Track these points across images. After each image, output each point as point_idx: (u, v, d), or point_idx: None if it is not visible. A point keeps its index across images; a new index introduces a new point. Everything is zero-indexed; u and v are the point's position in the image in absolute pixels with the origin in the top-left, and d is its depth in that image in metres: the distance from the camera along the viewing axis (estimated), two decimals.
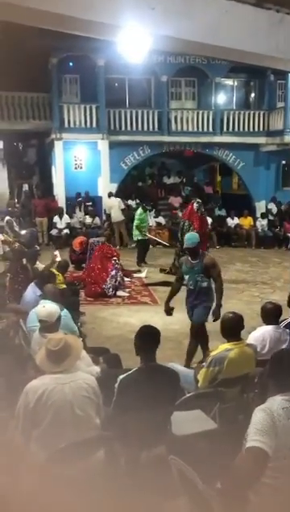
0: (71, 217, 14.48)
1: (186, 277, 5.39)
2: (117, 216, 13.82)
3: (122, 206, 14.11)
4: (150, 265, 11.22)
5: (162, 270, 10.45)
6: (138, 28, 2.74)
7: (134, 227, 11.51)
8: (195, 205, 9.73)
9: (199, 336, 5.42)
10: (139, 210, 11.58)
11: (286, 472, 2.19)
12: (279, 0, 3.13)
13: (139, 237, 11.41)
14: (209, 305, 5.38)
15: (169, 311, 5.57)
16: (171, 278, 9.78)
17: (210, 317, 5.32)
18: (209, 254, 5.60)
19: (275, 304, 4.37)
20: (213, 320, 5.17)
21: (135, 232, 11.49)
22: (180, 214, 15.37)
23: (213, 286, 5.36)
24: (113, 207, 13.90)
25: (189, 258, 5.36)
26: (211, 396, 3.44)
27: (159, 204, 16.18)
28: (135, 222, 11.44)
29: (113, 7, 2.63)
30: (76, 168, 15.46)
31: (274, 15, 3.19)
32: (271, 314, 4.23)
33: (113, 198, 14.19)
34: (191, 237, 5.47)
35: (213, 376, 3.52)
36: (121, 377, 3.04)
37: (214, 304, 5.32)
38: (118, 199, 14.19)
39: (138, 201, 15.81)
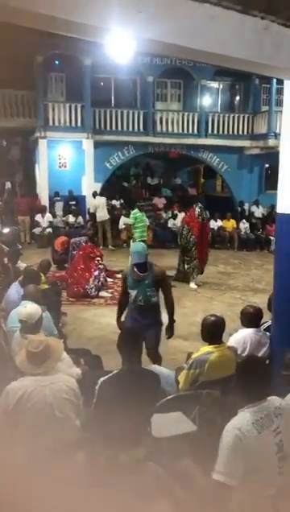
0: (54, 216, 14.40)
1: (133, 292, 4.70)
2: (102, 215, 13.77)
3: (108, 206, 14.03)
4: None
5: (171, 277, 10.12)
6: (125, 31, 2.74)
7: (134, 228, 10.87)
8: (196, 210, 9.50)
9: (154, 358, 4.78)
10: (135, 209, 11.16)
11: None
12: (264, 8, 3.16)
13: (138, 239, 10.68)
14: (160, 321, 4.86)
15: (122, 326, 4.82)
16: None
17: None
18: (157, 265, 5.02)
19: (256, 308, 4.42)
20: (167, 338, 4.87)
21: (137, 233, 10.78)
22: (163, 215, 15.45)
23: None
24: (99, 206, 13.85)
25: (136, 270, 4.63)
26: (191, 398, 3.45)
27: (144, 203, 16.20)
28: (130, 222, 11.00)
29: (100, 10, 2.63)
30: (60, 167, 15.37)
31: (259, 22, 3.21)
32: (251, 318, 4.28)
33: (98, 197, 14.14)
34: (136, 250, 4.73)
35: (193, 378, 3.54)
36: (102, 379, 3.04)
37: (163, 322, 4.87)
38: (104, 198, 14.14)
39: (122, 201, 15.83)
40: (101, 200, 13.99)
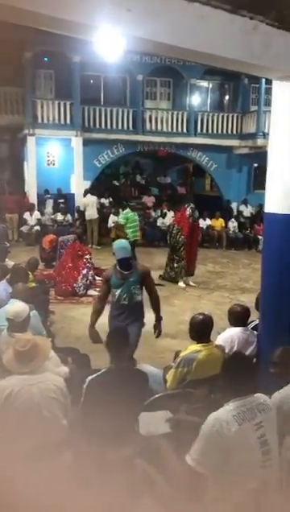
0: (42, 214, 14.33)
1: (117, 291, 4.58)
2: (91, 214, 13.72)
3: (98, 205, 13.97)
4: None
5: (160, 276, 9.88)
6: (114, 29, 2.73)
7: (127, 228, 10.72)
8: (188, 210, 9.46)
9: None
10: (127, 209, 11.07)
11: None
12: (253, 8, 3.17)
13: (131, 239, 10.40)
14: (142, 322, 4.81)
15: (96, 337, 4.59)
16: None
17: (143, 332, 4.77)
18: (140, 262, 4.92)
19: (244, 307, 4.45)
20: (156, 337, 4.85)
21: (130, 233, 10.64)
22: (153, 214, 15.45)
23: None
24: (89, 204, 13.80)
25: (119, 268, 4.58)
26: (179, 397, 3.46)
27: (133, 203, 16.20)
28: (122, 222, 10.83)
29: (88, 7, 2.61)
30: (48, 164, 15.30)
31: (248, 22, 3.22)
32: (239, 317, 4.31)
33: (89, 196, 14.08)
34: (122, 246, 4.68)
35: (181, 377, 3.55)
36: (89, 377, 3.04)
37: (144, 320, 4.82)
38: (94, 197, 14.08)
39: (110, 200, 15.79)
40: (92, 199, 13.93)
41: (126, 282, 4.59)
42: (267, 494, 2.32)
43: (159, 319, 4.80)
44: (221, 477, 2.25)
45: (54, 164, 15.36)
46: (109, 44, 3.06)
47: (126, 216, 10.76)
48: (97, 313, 4.76)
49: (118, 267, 4.61)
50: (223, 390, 2.48)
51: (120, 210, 14.63)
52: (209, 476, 2.22)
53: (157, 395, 3.34)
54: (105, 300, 4.80)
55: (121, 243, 4.88)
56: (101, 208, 14.81)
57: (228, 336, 4.18)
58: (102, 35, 2.88)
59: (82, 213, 14.06)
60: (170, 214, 14.84)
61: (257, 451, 2.28)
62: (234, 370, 2.48)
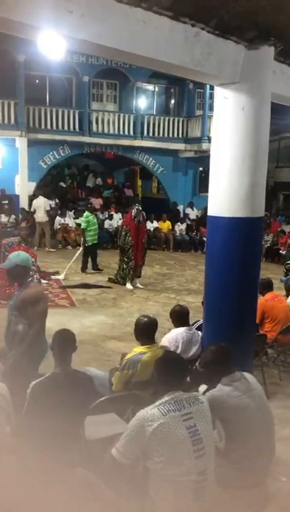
0: None
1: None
2: (42, 216, 13.50)
3: (48, 207, 13.71)
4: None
5: (109, 279, 9.90)
6: (56, 30, 2.71)
7: (87, 231, 10.46)
8: (132, 212, 9.38)
9: None
10: (86, 213, 10.81)
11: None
12: (194, 15, 3.24)
13: (90, 243, 10.47)
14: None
15: None
16: (92, 281, 9.83)
17: None
18: (37, 285, 4.10)
19: (182, 306, 4.57)
20: None
21: (89, 236, 10.44)
22: (100, 216, 15.37)
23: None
24: (40, 207, 13.56)
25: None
26: (125, 399, 3.47)
27: (80, 205, 16.08)
28: (83, 225, 10.56)
29: (30, 7, 2.58)
30: None
31: (189, 29, 3.29)
32: (178, 316, 4.39)
33: (41, 197, 13.81)
34: (19, 255, 3.73)
35: (126, 379, 3.56)
36: (33, 382, 2.98)
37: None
38: (45, 199, 13.82)
39: (57, 201, 15.57)
40: (42, 201, 13.68)
41: (9, 305, 3.73)
42: (207, 486, 2.37)
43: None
44: (159, 469, 2.31)
45: None
46: (52, 45, 3.03)
47: (86, 220, 10.51)
48: None
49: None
50: (157, 387, 2.61)
51: (67, 212, 14.56)
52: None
53: (102, 398, 3.33)
54: None
55: (19, 253, 3.84)
56: (50, 209, 14.58)
57: (172, 337, 4.24)
58: (44, 36, 2.86)
59: (30, 215, 13.77)
60: (117, 216, 14.86)
61: (187, 440, 2.35)
62: (163, 369, 2.59)
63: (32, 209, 13.82)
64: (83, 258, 10.66)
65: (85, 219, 10.58)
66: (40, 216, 13.46)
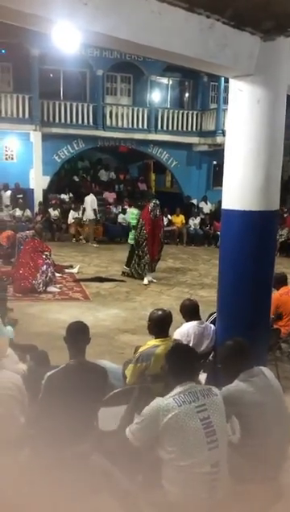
0: (0, 210, 14.04)
1: None
2: (89, 214, 13.76)
3: (95, 205, 13.91)
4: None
5: (123, 273, 9.89)
6: (71, 22, 2.70)
7: (133, 228, 10.10)
8: (149, 206, 9.35)
9: None
10: (134, 209, 10.67)
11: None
12: (209, 6, 3.20)
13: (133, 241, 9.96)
14: None
15: None
16: (105, 274, 9.84)
17: None
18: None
19: (192, 300, 4.57)
20: None
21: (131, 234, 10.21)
22: (114, 210, 15.40)
23: None
24: (87, 204, 13.77)
25: None
26: (138, 392, 3.48)
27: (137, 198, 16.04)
28: (133, 222, 10.38)
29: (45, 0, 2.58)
30: (6, 159, 15.00)
31: (204, 21, 3.26)
32: (188, 310, 4.39)
33: (91, 195, 14.00)
34: None
35: (140, 372, 3.56)
36: (48, 373, 3.00)
37: None
38: (93, 197, 13.96)
39: (71, 195, 15.63)
40: (89, 199, 13.87)
41: None
42: (221, 478, 2.38)
43: None
44: (172, 459, 2.33)
45: (12, 159, 15.08)
46: (67, 38, 3.03)
47: (136, 217, 10.14)
48: None
49: None
50: (168, 378, 2.63)
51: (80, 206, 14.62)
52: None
53: (116, 390, 3.35)
54: None
55: None
56: (60, 203, 14.64)
57: (185, 330, 4.24)
58: (59, 29, 2.85)
59: (45, 209, 13.87)
60: (130, 210, 14.84)
61: (200, 431, 2.36)
62: (174, 360, 2.61)
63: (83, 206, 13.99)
64: (129, 255, 10.04)
65: (133, 215, 10.50)
66: (88, 214, 13.63)
